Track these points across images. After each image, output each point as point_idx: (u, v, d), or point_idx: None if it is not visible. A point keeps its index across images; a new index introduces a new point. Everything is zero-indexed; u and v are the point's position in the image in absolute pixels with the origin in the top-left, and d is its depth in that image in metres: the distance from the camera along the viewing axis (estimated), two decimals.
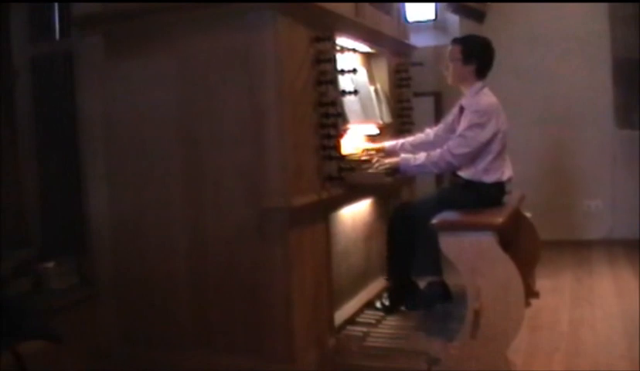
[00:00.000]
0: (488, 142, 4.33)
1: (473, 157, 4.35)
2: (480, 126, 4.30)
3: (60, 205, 4.51)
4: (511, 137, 4.52)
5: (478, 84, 4.48)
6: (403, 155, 4.50)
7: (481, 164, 4.38)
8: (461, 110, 4.52)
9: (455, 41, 4.60)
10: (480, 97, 4.43)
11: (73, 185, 4.32)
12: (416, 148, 4.75)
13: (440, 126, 4.87)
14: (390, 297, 4.74)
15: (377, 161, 4.45)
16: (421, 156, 4.40)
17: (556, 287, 5.65)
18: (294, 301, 3.68)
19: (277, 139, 3.61)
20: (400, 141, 4.89)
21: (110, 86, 4.01)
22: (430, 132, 4.89)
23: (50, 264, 4.21)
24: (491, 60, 4.53)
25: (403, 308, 4.66)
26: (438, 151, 4.38)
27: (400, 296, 4.68)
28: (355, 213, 4.77)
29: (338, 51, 4.31)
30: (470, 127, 4.31)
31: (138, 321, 4.06)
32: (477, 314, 3.81)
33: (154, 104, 3.91)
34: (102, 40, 4.00)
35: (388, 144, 4.85)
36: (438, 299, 4.51)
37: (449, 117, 4.77)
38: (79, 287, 4.25)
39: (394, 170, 4.36)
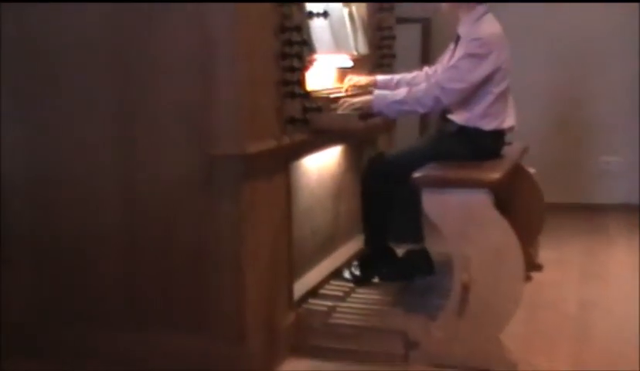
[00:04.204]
0: (487, 79, 4.28)
1: (467, 97, 4.31)
2: (478, 57, 4.23)
3: None
4: (514, 79, 4.49)
5: (480, 9, 4.42)
6: (377, 92, 4.47)
7: (479, 107, 4.34)
8: (457, 40, 4.48)
9: None
10: (481, 25, 4.37)
11: None
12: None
13: (438, 66, 4.79)
14: (362, 266, 4.77)
15: (344, 101, 4.35)
16: (401, 92, 4.36)
17: (563, 259, 5.73)
18: (245, 267, 3.69)
19: (228, 72, 3.58)
20: (397, 76, 4.86)
21: (31, 3, 3.93)
22: (429, 71, 4.85)
23: None
24: None
25: (376, 280, 4.70)
26: (423, 85, 4.36)
27: (374, 265, 4.72)
28: (322, 164, 4.79)
29: None
30: (466, 56, 4.25)
31: (57, 291, 4.06)
32: (465, 288, 3.84)
33: (83, 28, 3.85)
34: None
35: (381, 77, 4.82)
36: (418, 270, 4.57)
37: (445, 55, 4.70)
38: None
39: (368, 112, 4.30)
